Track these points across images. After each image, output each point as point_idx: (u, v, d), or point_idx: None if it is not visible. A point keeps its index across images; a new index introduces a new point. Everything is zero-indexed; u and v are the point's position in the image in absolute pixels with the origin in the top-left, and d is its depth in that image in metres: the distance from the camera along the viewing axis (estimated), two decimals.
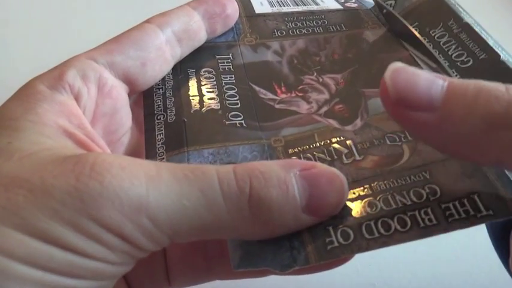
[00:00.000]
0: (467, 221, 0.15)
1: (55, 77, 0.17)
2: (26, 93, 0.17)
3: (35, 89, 0.17)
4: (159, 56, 0.20)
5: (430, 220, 0.15)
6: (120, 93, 0.19)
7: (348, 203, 0.16)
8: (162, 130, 0.20)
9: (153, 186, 0.14)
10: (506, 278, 0.25)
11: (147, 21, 0.20)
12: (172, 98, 0.21)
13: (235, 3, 0.23)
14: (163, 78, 0.22)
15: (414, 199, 0.16)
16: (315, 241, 0.15)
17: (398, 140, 0.19)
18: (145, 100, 0.21)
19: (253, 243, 0.15)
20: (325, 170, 0.16)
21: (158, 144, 0.19)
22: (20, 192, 0.13)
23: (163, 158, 0.19)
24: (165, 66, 0.20)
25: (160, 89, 0.22)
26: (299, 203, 0.15)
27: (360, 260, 0.25)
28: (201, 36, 0.22)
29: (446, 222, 0.15)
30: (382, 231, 0.15)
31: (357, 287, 0.25)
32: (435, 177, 0.16)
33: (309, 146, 0.19)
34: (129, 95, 0.20)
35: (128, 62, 0.19)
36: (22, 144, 0.15)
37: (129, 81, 0.19)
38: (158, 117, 0.20)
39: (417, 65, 0.22)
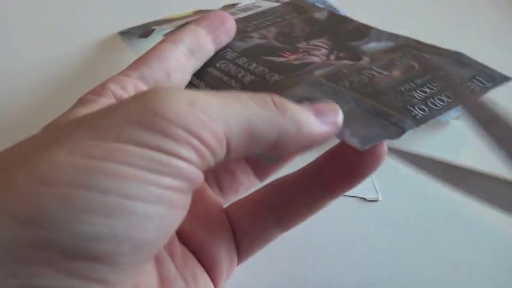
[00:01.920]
0: (482, 90, 0.22)
1: (99, 88, 0.20)
2: (78, 103, 0.19)
3: (86, 98, 0.19)
4: (180, 66, 0.23)
5: (464, 93, 0.22)
6: None
7: (407, 94, 0.21)
8: None
9: (198, 92, 0.16)
10: (507, 278, 0.26)
11: (162, 41, 0.23)
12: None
13: (231, 17, 0.26)
14: (191, 82, 0.24)
15: (444, 83, 0.22)
16: (405, 119, 0.20)
17: (404, 60, 0.24)
18: None
19: (362, 130, 0.19)
20: (317, 103, 0.19)
21: None
22: (92, 118, 0.15)
23: None
24: (186, 75, 0.23)
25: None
26: (310, 112, 0.18)
27: (360, 259, 0.26)
28: (209, 49, 0.25)
29: (473, 93, 0.22)
30: (441, 103, 0.21)
31: (357, 286, 0.25)
32: (450, 72, 0.23)
33: (344, 76, 0.23)
34: None
35: (155, 74, 0.22)
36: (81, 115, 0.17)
37: None
38: None
39: (370, 29, 0.28)
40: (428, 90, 0.21)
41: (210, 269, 0.21)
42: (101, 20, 0.41)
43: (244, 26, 0.29)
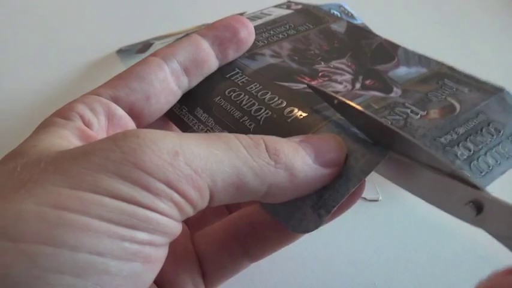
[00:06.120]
0: None
1: (66, 109, 0.18)
2: (44, 125, 0.18)
3: (51, 121, 0.18)
4: (164, 88, 0.21)
5: (508, 153, 0.19)
6: (129, 124, 0.20)
7: (449, 149, 0.18)
8: None
9: (184, 139, 0.15)
10: None
11: (153, 54, 0.21)
12: (225, 131, 0.21)
13: (251, 25, 0.23)
14: (198, 117, 0.22)
15: (490, 138, 0.19)
16: None
17: (440, 96, 0.21)
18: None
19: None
20: (319, 135, 0.18)
21: None
22: (65, 159, 0.14)
23: None
24: (172, 97, 0.21)
25: (202, 131, 0.21)
26: (308, 155, 0.17)
27: (361, 259, 0.26)
28: (210, 64, 0.22)
29: None
30: (486, 167, 0.18)
31: (357, 287, 0.25)
32: (493, 118, 0.20)
33: (375, 113, 0.20)
34: (138, 127, 0.21)
35: (131, 96, 0.20)
36: (48, 145, 0.16)
37: (134, 114, 0.20)
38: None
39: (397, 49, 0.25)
40: (472, 147, 0.19)
41: None
42: (100, 39, 0.39)
43: (254, 39, 0.25)
